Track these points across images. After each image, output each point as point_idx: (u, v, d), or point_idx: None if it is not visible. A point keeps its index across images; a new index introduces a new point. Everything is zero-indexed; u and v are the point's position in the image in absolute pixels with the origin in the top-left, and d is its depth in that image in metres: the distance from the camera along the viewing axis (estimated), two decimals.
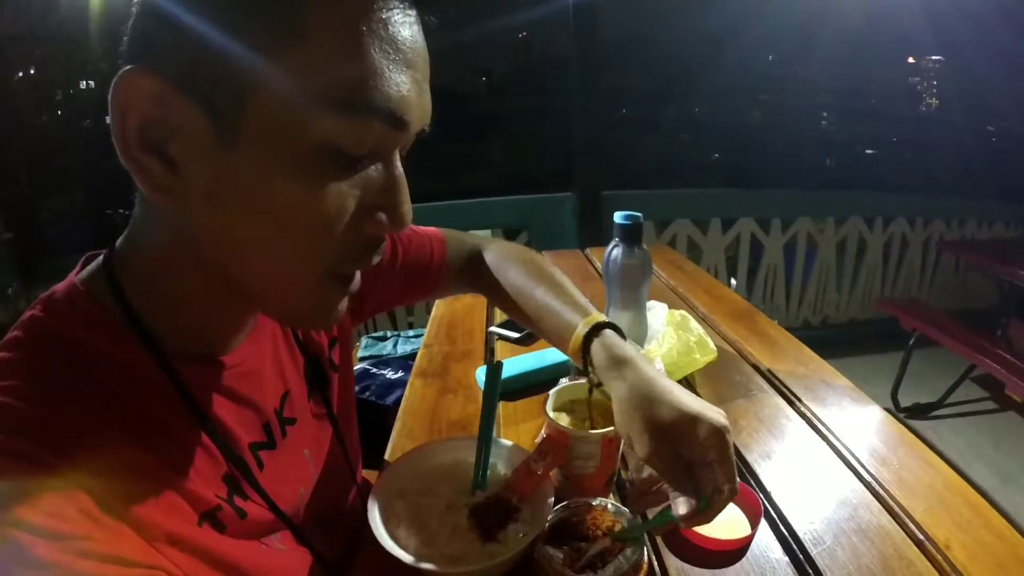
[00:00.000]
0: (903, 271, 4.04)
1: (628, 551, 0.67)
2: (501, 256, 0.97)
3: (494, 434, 0.83)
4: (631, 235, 1.16)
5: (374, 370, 1.94)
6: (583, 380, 0.84)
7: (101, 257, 0.57)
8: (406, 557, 0.67)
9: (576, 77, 2.95)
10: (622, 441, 0.73)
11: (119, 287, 0.54)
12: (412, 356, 2.11)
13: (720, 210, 3.58)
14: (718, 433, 0.61)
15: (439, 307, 1.61)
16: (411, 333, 2.30)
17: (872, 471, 0.95)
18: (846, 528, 0.83)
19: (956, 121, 4.64)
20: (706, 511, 0.60)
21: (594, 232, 3.01)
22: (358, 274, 0.58)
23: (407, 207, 0.53)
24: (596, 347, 0.74)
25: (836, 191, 4.07)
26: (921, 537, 0.81)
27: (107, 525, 0.45)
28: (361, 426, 0.94)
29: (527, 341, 1.37)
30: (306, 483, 0.74)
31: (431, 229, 1.00)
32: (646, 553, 0.68)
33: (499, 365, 0.86)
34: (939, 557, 0.77)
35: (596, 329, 0.75)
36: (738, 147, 4.36)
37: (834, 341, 3.52)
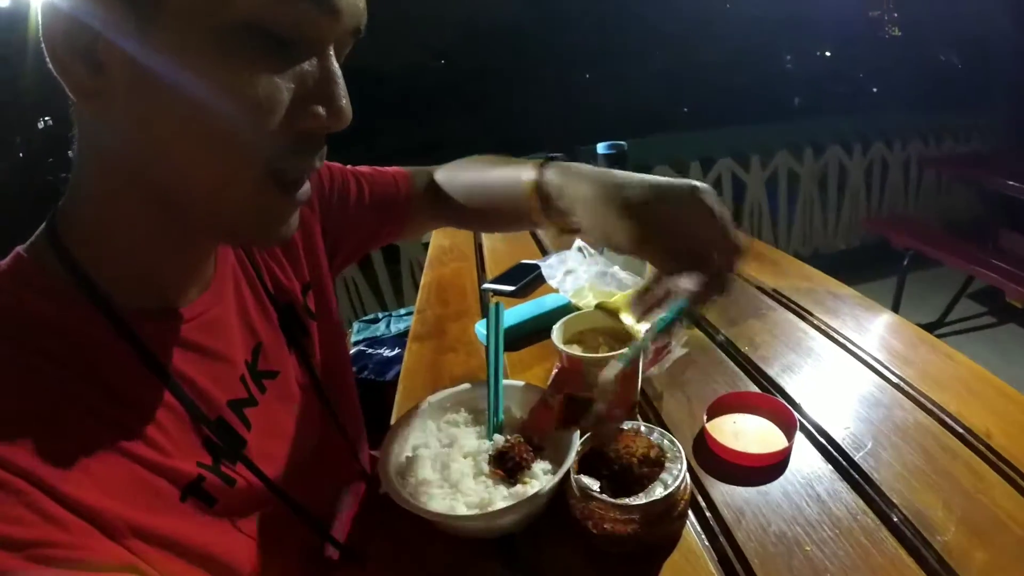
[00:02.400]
0: (886, 194, 4.01)
1: (667, 473, 0.62)
2: (449, 167, 0.93)
3: (503, 378, 0.78)
4: (617, 164, 1.11)
5: (369, 350, 1.89)
6: (593, 307, 0.78)
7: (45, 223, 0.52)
8: (427, 511, 0.62)
9: (531, 41, 2.88)
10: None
11: (64, 246, 0.49)
12: (406, 333, 2.07)
13: (697, 152, 3.52)
14: (697, 194, 0.58)
15: (428, 274, 1.55)
16: (403, 311, 2.25)
17: (897, 371, 0.92)
18: (883, 429, 0.79)
19: (919, 45, 4.61)
20: (717, 282, 0.57)
21: None
22: (307, 184, 0.53)
23: (346, 101, 0.49)
24: (549, 173, 0.69)
25: (811, 120, 4.02)
26: (960, 429, 0.78)
27: (69, 525, 0.41)
28: (363, 406, 0.90)
29: (523, 293, 1.31)
30: (297, 442, 0.68)
31: (393, 167, 0.96)
32: (687, 475, 0.63)
33: (499, 305, 0.82)
34: (981, 446, 0.75)
35: (544, 164, 0.70)
36: (704, 91, 4.30)
37: (826, 271, 3.42)
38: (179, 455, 0.51)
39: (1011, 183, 2.94)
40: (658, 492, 0.60)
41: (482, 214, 0.87)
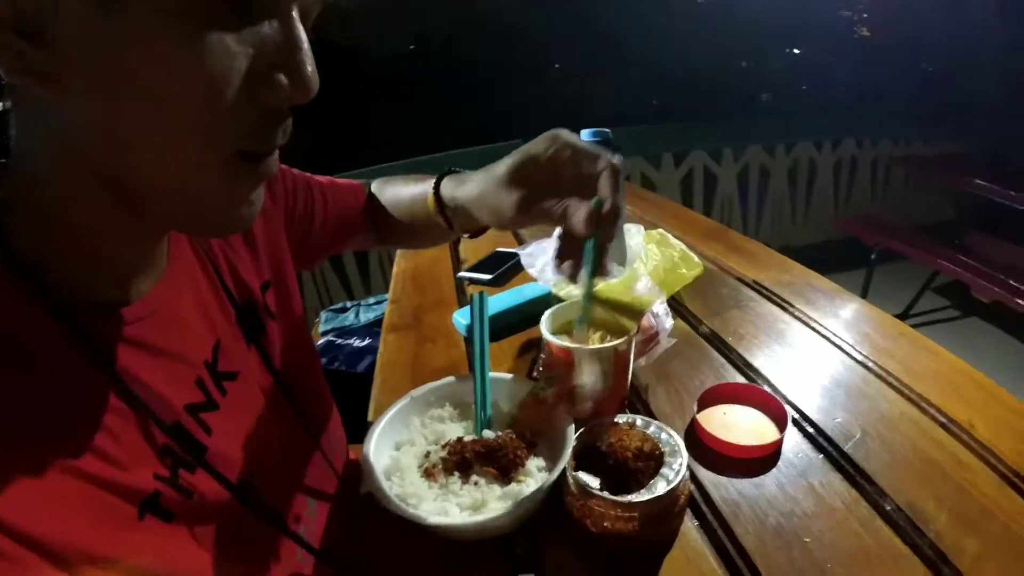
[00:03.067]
0: (855, 191, 4.07)
1: (668, 468, 0.60)
2: (378, 183, 0.98)
3: (489, 370, 0.75)
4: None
5: (339, 340, 1.84)
6: (577, 297, 0.76)
7: None
8: (417, 516, 0.59)
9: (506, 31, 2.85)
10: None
11: (3, 233, 0.44)
12: (376, 323, 2.03)
13: (671, 144, 3.52)
14: (552, 138, 0.61)
15: (400, 263, 1.52)
16: (371, 300, 2.21)
17: (880, 363, 0.92)
18: (871, 419, 0.79)
19: (889, 48, 4.68)
20: (601, 201, 0.57)
21: None
22: (274, 157, 0.49)
23: (311, 69, 0.44)
24: (444, 185, 0.75)
25: (783, 116, 4.06)
26: (943, 420, 0.78)
27: (14, 558, 0.37)
28: (336, 398, 0.85)
29: (500, 282, 1.29)
30: (261, 446, 0.64)
31: (351, 181, 0.97)
32: (687, 470, 0.62)
33: (483, 295, 0.79)
34: (965, 436, 0.75)
35: (442, 176, 0.76)
36: (678, 87, 4.31)
37: None
38: (134, 467, 0.47)
39: (979, 182, 3.00)
40: (660, 488, 0.58)
41: (401, 228, 0.91)
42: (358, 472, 0.68)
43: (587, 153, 0.59)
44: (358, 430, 0.88)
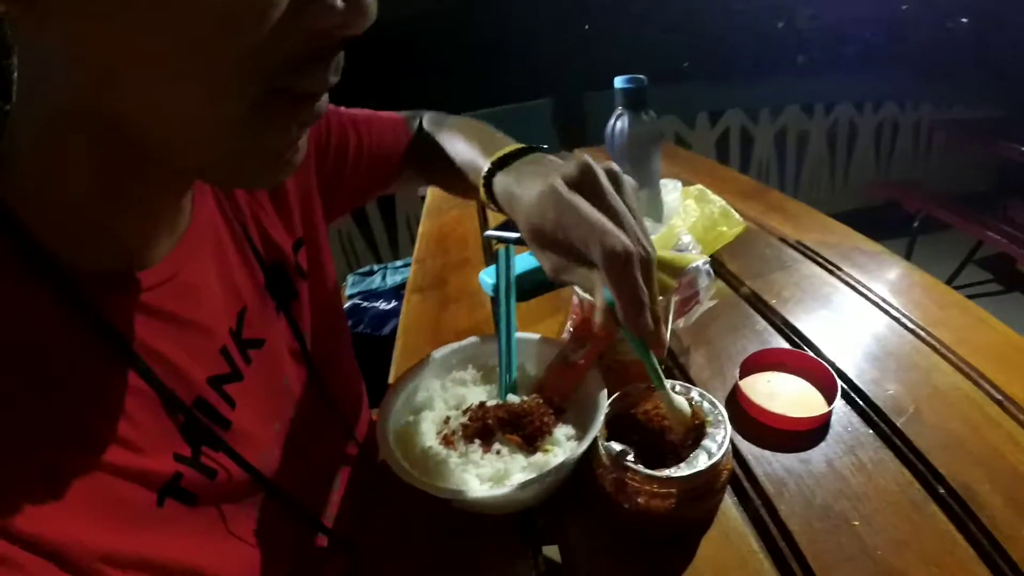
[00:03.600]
0: (896, 156, 3.91)
1: (710, 439, 0.55)
2: (436, 120, 0.86)
3: (515, 331, 0.71)
4: (636, 100, 1.02)
5: (365, 303, 1.82)
6: None
7: None
8: (434, 486, 0.54)
9: None
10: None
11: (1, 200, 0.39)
12: (403, 286, 2.01)
13: (706, 103, 3.40)
14: (556, 202, 0.50)
15: (425, 223, 1.48)
16: (399, 263, 2.18)
17: (933, 332, 0.85)
18: (924, 393, 0.73)
19: (931, 5, 4.47)
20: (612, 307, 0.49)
21: (576, 137, 2.85)
22: (323, 101, 0.41)
23: None
24: (497, 180, 0.61)
25: (823, 77, 3.90)
26: (999, 397, 0.72)
27: (24, 566, 0.34)
28: (360, 362, 0.82)
29: None
30: (284, 418, 0.60)
31: (391, 114, 0.86)
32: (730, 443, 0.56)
33: (509, 247, 0.74)
34: (1021, 416, 0.69)
35: (501, 163, 0.62)
36: (713, 44, 4.16)
37: None
38: (153, 450, 0.43)
39: (1020, 148, 2.84)
40: (701, 462, 0.52)
41: (448, 180, 0.78)
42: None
43: (588, 231, 0.48)
44: (381, 394, 0.86)
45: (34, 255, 0.39)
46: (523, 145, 0.65)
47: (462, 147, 0.74)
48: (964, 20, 4.47)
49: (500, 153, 0.63)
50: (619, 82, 1.01)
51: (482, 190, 0.63)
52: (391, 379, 0.86)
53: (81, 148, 0.38)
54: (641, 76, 1.01)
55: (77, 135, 0.38)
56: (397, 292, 1.92)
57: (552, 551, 0.58)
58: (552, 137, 2.96)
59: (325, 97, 0.41)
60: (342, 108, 0.80)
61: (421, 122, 0.88)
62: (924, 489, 0.60)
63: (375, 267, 2.17)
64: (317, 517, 0.61)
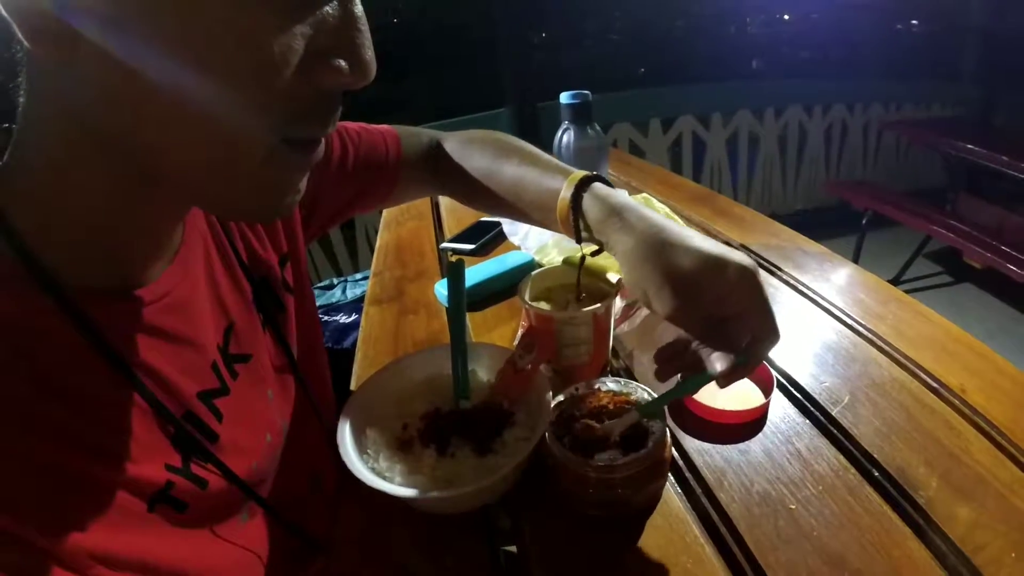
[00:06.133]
0: (845, 156, 4.02)
1: (649, 429, 0.58)
2: (463, 140, 0.84)
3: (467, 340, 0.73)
4: (581, 114, 1.06)
5: (325, 317, 1.82)
6: (559, 263, 0.74)
7: None
8: (392, 489, 0.56)
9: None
10: (632, 307, 0.63)
11: (1, 213, 0.41)
12: (363, 299, 2.01)
13: (658, 110, 3.45)
14: (748, 276, 0.51)
15: (383, 236, 1.49)
16: (358, 276, 2.18)
17: (871, 327, 0.90)
18: (860, 384, 0.77)
19: (881, 10, 4.63)
20: (746, 364, 0.52)
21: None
22: (322, 146, 0.46)
23: (371, 53, 0.41)
24: (588, 201, 0.61)
25: (772, 81, 4.01)
26: (935, 385, 0.76)
27: (21, 565, 0.36)
28: None
29: (483, 251, 1.26)
30: (271, 430, 0.62)
31: (382, 126, 0.87)
32: (668, 431, 0.60)
33: (460, 262, 0.76)
34: (957, 402, 0.73)
35: (584, 184, 0.63)
36: (666, 50, 4.25)
37: None
38: (144, 460, 0.45)
39: (971, 147, 2.97)
40: (640, 449, 0.56)
41: (497, 201, 0.77)
42: None
43: (771, 318, 0.52)
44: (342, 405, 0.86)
45: (35, 270, 0.41)
46: (591, 173, 0.66)
47: (512, 167, 0.74)
48: (914, 23, 4.64)
49: (578, 176, 0.64)
50: (565, 98, 1.04)
51: (566, 209, 0.63)
52: (352, 387, 0.87)
53: (97, 172, 0.41)
54: (586, 92, 1.04)
55: (96, 160, 0.41)
56: (357, 305, 1.92)
57: (512, 550, 0.61)
58: None
59: (323, 143, 0.46)
60: None
61: (434, 141, 0.88)
62: (859, 473, 0.64)
63: (335, 280, 2.17)
64: (303, 524, 0.63)
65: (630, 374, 0.83)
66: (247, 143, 0.40)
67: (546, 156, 0.74)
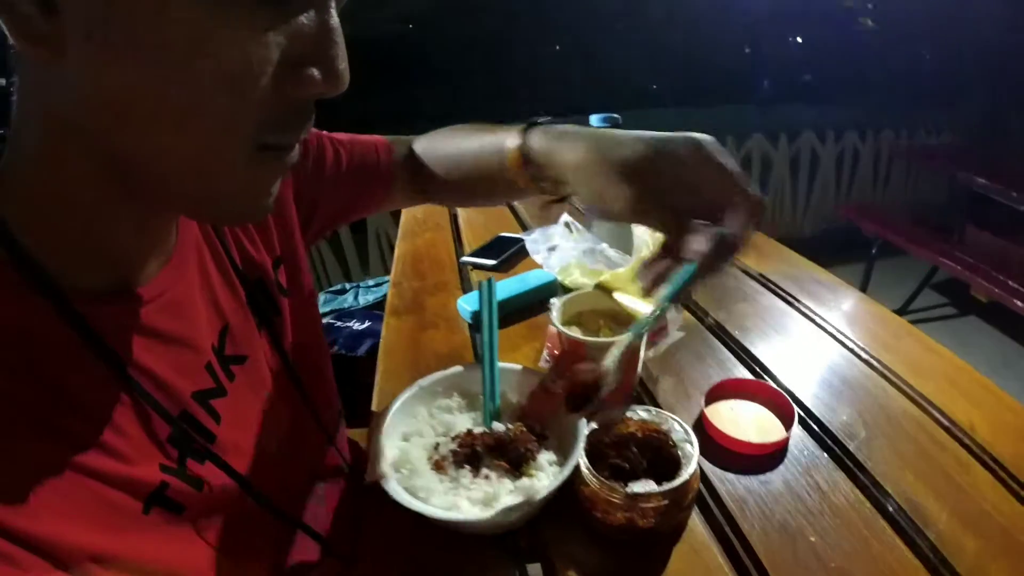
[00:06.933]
0: (856, 183, 4.06)
1: (683, 459, 0.61)
2: (428, 137, 0.86)
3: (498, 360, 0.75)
4: None
5: (338, 323, 1.83)
6: (582, 282, 0.75)
7: None
8: (428, 510, 0.58)
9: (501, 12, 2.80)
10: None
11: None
12: (376, 306, 2.02)
13: (672, 130, 3.45)
14: (698, 146, 0.52)
15: (401, 245, 1.51)
16: (371, 282, 2.19)
17: (884, 360, 0.92)
18: (875, 418, 0.80)
19: (893, 38, 4.64)
20: (726, 238, 0.51)
21: None
22: (297, 150, 0.47)
23: (344, 64, 0.42)
24: (534, 138, 0.63)
25: (785, 106, 4.03)
26: (946, 422, 0.79)
27: (17, 561, 0.36)
28: (337, 382, 0.84)
29: (504, 268, 1.28)
30: (269, 432, 0.63)
31: (373, 136, 0.88)
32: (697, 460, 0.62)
33: (491, 282, 0.78)
34: (965, 439, 0.76)
35: (528, 128, 0.64)
36: (680, 71, 4.27)
37: None
38: (140, 460, 0.46)
39: (980, 180, 2.97)
40: (673, 480, 0.58)
41: (463, 186, 0.79)
42: (359, 456, 0.66)
43: (736, 181, 0.52)
44: (357, 413, 0.88)
45: (31, 271, 0.41)
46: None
47: (467, 141, 0.76)
48: (928, 57, 4.66)
49: (523, 127, 0.65)
50: (595, 120, 1.07)
51: (515, 153, 0.64)
52: (374, 403, 0.88)
53: (85, 173, 0.42)
54: (616, 115, 1.06)
55: (83, 161, 0.41)
56: (370, 312, 1.93)
57: (535, 569, 0.62)
58: None
59: (297, 147, 0.47)
60: (323, 131, 0.82)
61: (411, 144, 0.89)
62: (874, 507, 0.66)
63: (347, 285, 2.18)
64: (306, 526, 0.64)
65: (654, 400, 0.85)
66: (223, 149, 0.41)
67: (496, 127, 0.75)
